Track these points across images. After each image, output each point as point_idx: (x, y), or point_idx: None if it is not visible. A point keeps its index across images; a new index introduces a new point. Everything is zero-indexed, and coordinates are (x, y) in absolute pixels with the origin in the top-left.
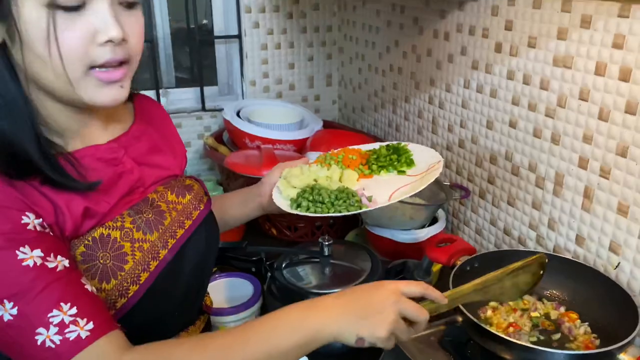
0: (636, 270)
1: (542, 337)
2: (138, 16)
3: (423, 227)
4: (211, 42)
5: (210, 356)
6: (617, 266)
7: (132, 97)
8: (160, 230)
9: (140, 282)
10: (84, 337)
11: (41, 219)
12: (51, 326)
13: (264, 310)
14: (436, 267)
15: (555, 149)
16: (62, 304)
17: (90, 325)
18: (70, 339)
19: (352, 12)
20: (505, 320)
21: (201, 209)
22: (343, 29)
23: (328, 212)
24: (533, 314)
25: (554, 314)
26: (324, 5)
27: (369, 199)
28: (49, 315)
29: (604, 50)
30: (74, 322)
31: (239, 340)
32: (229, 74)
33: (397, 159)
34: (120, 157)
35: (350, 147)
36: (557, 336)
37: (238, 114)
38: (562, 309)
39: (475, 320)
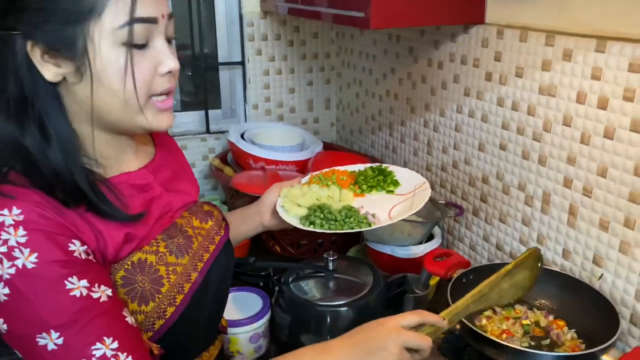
0: (617, 280)
1: (532, 343)
2: (175, 51)
3: (420, 243)
4: (215, 68)
5: None
6: (600, 277)
7: None
8: (190, 254)
9: (177, 303)
10: None
11: (86, 246)
12: (93, 359)
13: (272, 322)
14: (433, 281)
15: (542, 170)
16: (105, 337)
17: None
18: None
19: (350, 40)
20: (499, 327)
21: (222, 234)
22: (341, 55)
23: (342, 229)
24: (524, 322)
25: (543, 322)
26: (322, 34)
27: (372, 216)
28: (92, 348)
29: (584, 81)
30: (115, 357)
31: None
32: (232, 98)
33: (383, 179)
34: (151, 183)
35: (336, 167)
36: (546, 342)
37: (242, 136)
38: (551, 317)
39: (472, 327)
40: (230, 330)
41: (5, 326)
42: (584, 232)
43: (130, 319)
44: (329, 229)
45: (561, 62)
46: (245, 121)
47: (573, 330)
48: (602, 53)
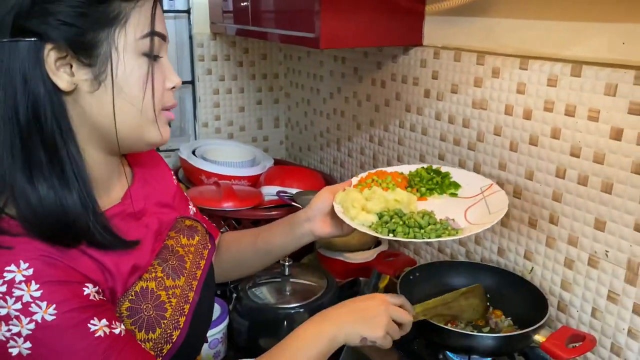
0: (545, 272)
1: (475, 331)
2: None
3: (369, 249)
4: None
5: None
6: (531, 271)
7: None
8: (185, 274)
9: (181, 326)
10: None
11: (97, 287)
12: None
13: (230, 328)
14: (383, 284)
15: None
16: None
17: None
18: None
19: (298, 62)
20: (444, 319)
21: (209, 247)
22: (289, 76)
23: (430, 237)
24: None
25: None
26: (271, 55)
27: (453, 221)
28: None
29: (510, 95)
30: None
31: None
32: (181, 116)
33: (441, 181)
34: (143, 209)
35: (384, 169)
36: (486, 329)
37: (193, 153)
38: (490, 308)
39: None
40: None
41: None
42: (516, 230)
43: (144, 346)
44: (415, 237)
45: (491, 78)
46: (195, 139)
47: (509, 318)
48: (525, 70)
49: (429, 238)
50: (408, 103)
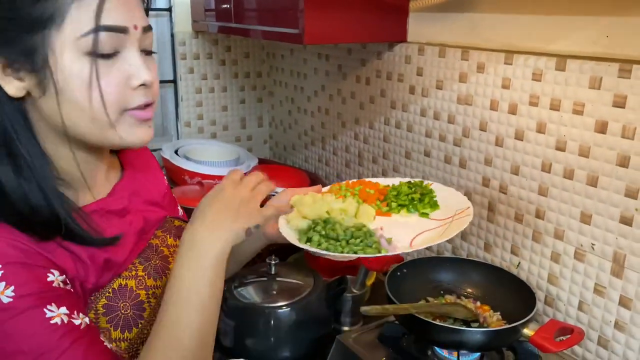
0: (532, 266)
1: (463, 326)
2: (154, 62)
3: None
4: None
5: (162, 345)
6: (518, 266)
7: None
8: (168, 275)
9: None
10: None
11: (64, 276)
12: None
13: (218, 328)
14: (370, 281)
15: (463, 172)
16: None
17: None
18: None
19: (281, 60)
20: (432, 315)
21: None
22: (272, 74)
23: (342, 252)
24: None
25: (471, 307)
26: (253, 54)
27: (388, 241)
28: None
29: (495, 90)
30: None
31: (169, 321)
32: (163, 116)
33: (419, 198)
34: (127, 207)
35: (368, 179)
36: (475, 325)
37: (176, 153)
38: (478, 303)
39: (411, 312)
40: None
41: None
42: (502, 226)
43: (108, 344)
44: (327, 249)
45: (476, 74)
46: (178, 139)
47: (498, 313)
48: (509, 65)
49: (341, 252)
50: (393, 100)
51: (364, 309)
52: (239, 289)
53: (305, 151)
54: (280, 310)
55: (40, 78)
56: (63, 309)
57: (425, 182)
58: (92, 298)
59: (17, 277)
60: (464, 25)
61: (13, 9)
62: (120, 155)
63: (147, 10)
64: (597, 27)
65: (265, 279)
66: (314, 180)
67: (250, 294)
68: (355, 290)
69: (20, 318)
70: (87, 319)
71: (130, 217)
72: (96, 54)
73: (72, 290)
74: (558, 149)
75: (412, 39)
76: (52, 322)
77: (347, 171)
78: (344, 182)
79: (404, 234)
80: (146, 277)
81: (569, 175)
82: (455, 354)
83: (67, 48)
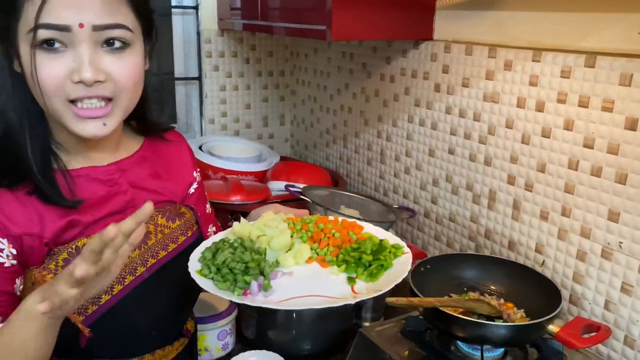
0: (557, 265)
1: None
2: (125, 58)
3: None
4: (172, 83)
5: None
6: (542, 264)
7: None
8: (142, 249)
9: (113, 293)
10: None
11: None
12: None
13: (238, 319)
14: None
15: (488, 170)
16: None
17: None
18: None
19: (304, 59)
20: (455, 311)
21: (188, 235)
22: (295, 73)
23: (212, 281)
24: None
25: (494, 304)
26: (277, 53)
27: (265, 287)
28: None
29: (523, 87)
30: None
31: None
32: (187, 113)
33: (367, 262)
34: (117, 179)
35: (362, 223)
36: (499, 321)
37: (200, 149)
38: (502, 300)
39: (435, 305)
40: (202, 326)
41: None
42: (527, 224)
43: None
44: (199, 273)
45: (503, 71)
46: (202, 135)
47: (522, 310)
48: (537, 62)
49: (204, 283)
50: (417, 97)
51: (390, 299)
52: None
53: (327, 149)
54: None
55: (19, 61)
56: None
57: (407, 251)
58: (56, 250)
59: None
60: (491, 23)
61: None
62: (149, 140)
63: (139, 8)
64: (628, 24)
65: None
66: (334, 177)
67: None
68: None
69: None
70: None
71: (118, 188)
72: (36, 45)
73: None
74: (586, 146)
75: (438, 36)
76: None
77: (368, 169)
78: (314, 217)
79: (303, 289)
80: None
81: (596, 172)
82: (478, 349)
83: (22, 40)
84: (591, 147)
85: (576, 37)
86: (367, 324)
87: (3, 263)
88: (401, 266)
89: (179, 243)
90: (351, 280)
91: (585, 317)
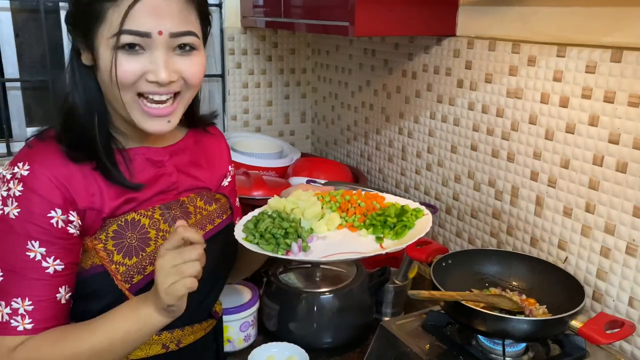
0: (580, 261)
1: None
2: (194, 59)
3: None
4: None
5: (65, 345)
6: (565, 260)
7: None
8: None
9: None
10: (20, 329)
11: (66, 215)
12: (8, 307)
13: (260, 312)
14: (412, 274)
15: (511, 166)
16: (27, 298)
17: (30, 325)
18: (11, 324)
19: (326, 56)
20: (477, 306)
21: (223, 218)
22: (317, 70)
23: (257, 244)
24: None
25: (516, 299)
26: (299, 50)
27: (304, 248)
28: (13, 299)
29: (546, 83)
30: (22, 316)
31: (87, 331)
32: (210, 109)
33: (392, 223)
34: (165, 161)
35: (382, 194)
36: (521, 316)
37: None
38: (524, 296)
39: (457, 299)
40: (226, 317)
41: None
42: (550, 220)
43: (62, 296)
44: (246, 240)
45: (526, 67)
46: (224, 131)
47: (544, 306)
48: (562, 57)
49: (255, 245)
50: (440, 94)
51: (412, 292)
52: (283, 274)
53: (348, 146)
54: (323, 297)
55: (95, 58)
56: (42, 250)
57: (427, 213)
58: (107, 222)
59: (28, 204)
60: (514, 18)
61: (82, 5)
62: (192, 131)
63: (204, 16)
64: None
65: (309, 265)
66: (355, 174)
67: (294, 279)
68: (397, 282)
69: (9, 235)
70: (59, 267)
71: (165, 170)
72: (118, 48)
73: (69, 232)
74: (611, 141)
75: (461, 32)
76: (27, 253)
77: (389, 166)
78: (340, 190)
79: (338, 248)
80: (162, 221)
81: (621, 168)
82: (500, 344)
83: (103, 41)
84: (616, 143)
85: (602, 32)
86: (387, 318)
87: (73, 234)
88: (423, 224)
89: (215, 224)
90: (379, 239)
91: (609, 313)
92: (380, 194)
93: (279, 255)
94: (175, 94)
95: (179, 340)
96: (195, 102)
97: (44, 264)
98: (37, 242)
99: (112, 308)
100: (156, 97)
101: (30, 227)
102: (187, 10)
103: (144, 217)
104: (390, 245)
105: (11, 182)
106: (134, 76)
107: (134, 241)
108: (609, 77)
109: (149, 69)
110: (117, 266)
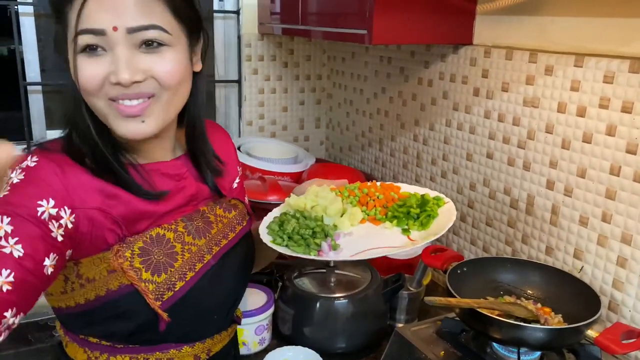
0: (596, 271)
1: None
2: (166, 56)
3: None
4: (212, 86)
5: None
6: (580, 270)
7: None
8: (207, 238)
9: (186, 279)
10: None
11: (57, 210)
12: None
13: (275, 316)
14: (426, 281)
15: (527, 175)
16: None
17: None
18: None
19: (342, 63)
20: (492, 314)
21: (244, 225)
22: (332, 77)
23: (286, 247)
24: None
25: (531, 308)
26: (314, 57)
27: (334, 246)
28: None
29: (564, 92)
30: None
31: None
32: (226, 114)
33: (416, 214)
34: (183, 174)
35: (397, 184)
36: (536, 324)
37: (238, 149)
38: (539, 305)
39: (473, 306)
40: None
41: None
42: (565, 229)
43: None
44: (274, 242)
45: (543, 76)
46: (239, 137)
47: (560, 315)
48: (580, 67)
49: (284, 247)
50: (456, 102)
51: (428, 299)
52: (298, 279)
53: (362, 152)
54: (338, 302)
55: (67, 67)
56: (8, 227)
57: (447, 200)
58: (131, 239)
59: (21, 191)
60: (532, 28)
61: (55, 4)
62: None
63: (177, 7)
64: None
65: (324, 270)
66: (369, 180)
67: (309, 284)
68: (411, 288)
69: None
70: (20, 253)
71: (185, 182)
72: (78, 51)
73: (49, 225)
74: (629, 152)
75: (478, 41)
76: None
77: (404, 172)
78: (357, 184)
79: (364, 244)
80: (185, 234)
81: (639, 179)
82: (515, 352)
83: (69, 47)
84: (634, 153)
85: (620, 43)
86: (401, 325)
87: (52, 232)
88: (447, 213)
89: (236, 232)
90: (405, 231)
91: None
92: (395, 184)
93: (312, 257)
94: (149, 97)
95: (209, 349)
96: (193, 107)
97: (2, 242)
98: (9, 217)
99: (145, 328)
100: (126, 102)
101: (12, 207)
102: (148, 2)
103: (168, 231)
104: (418, 237)
105: (14, 171)
106: (96, 80)
107: (161, 257)
108: (627, 88)
109: (110, 69)
110: (147, 284)
